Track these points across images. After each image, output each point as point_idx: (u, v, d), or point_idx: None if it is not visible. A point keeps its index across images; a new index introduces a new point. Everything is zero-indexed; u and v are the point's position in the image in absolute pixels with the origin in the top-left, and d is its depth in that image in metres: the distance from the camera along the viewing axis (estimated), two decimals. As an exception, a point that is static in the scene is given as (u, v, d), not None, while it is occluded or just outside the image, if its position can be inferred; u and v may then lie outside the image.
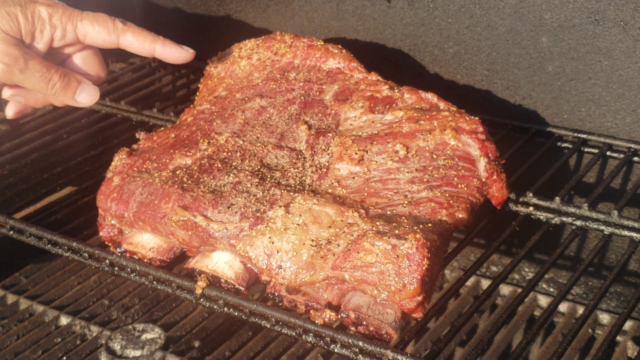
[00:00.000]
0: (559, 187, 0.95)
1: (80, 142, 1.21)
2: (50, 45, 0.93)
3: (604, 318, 1.17)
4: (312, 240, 0.78)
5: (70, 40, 0.93)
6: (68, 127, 1.24)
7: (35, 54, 0.91)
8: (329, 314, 0.77)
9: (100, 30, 0.94)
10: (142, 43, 0.96)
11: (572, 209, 0.92)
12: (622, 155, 1.03)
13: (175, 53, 0.98)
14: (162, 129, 0.99)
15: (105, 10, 0.98)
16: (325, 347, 0.76)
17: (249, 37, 1.11)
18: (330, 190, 0.85)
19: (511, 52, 1.11)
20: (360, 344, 0.74)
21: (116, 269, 0.88)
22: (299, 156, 0.90)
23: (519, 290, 1.21)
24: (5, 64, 0.89)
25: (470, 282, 1.24)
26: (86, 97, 0.96)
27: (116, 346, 1.10)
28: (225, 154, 0.90)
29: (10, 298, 1.21)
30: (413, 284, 0.73)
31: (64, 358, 1.10)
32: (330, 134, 0.92)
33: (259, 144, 0.92)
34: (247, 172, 0.87)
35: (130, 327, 1.13)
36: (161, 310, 1.18)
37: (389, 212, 0.81)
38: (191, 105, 1.03)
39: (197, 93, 1.06)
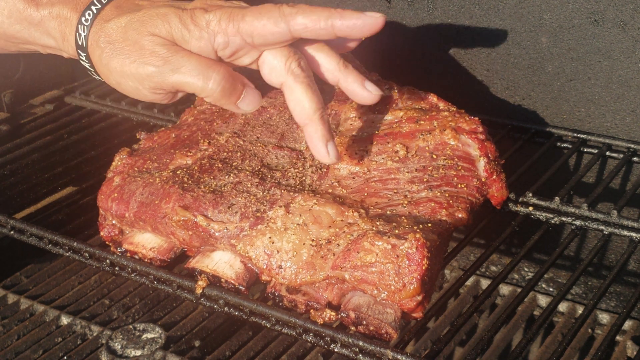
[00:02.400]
0: (558, 187, 0.96)
1: (81, 142, 1.21)
2: (216, 55, 0.80)
3: (604, 318, 1.17)
4: (312, 240, 0.78)
5: (237, 45, 0.79)
6: (69, 127, 1.24)
7: (191, 52, 0.80)
8: (329, 314, 0.78)
9: (266, 23, 0.77)
10: (316, 22, 0.78)
11: (571, 209, 0.92)
12: (621, 156, 1.03)
13: (358, 23, 0.78)
14: (163, 129, 0.99)
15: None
16: (326, 346, 0.76)
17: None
18: (330, 190, 0.85)
19: (511, 53, 1.11)
20: (360, 343, 0.74)
21: (117, 268, 0.88)
22: (299, 156, 0.90)
23: (519, 290, 1.21)
24: (155, 66, 0.79)
25: (469, 281, 1.24)
26: (249, 104, 0.83)
27: (117, 346, 1.10)
28: (225, 154, 0.91)
29: (11, 298, 1.21)
30: (413, 284, 0.73)
31: (65, 357, 1.10)
32: (331, 134, 0.92)
33: (259, 144, 0.92)
34: (247, 172, 0.87)
35: (130, 326, 1.13)
36: (162, 310, 1.18)
37: (389, 212, 0.81)
38: (192, 106, 1.03)
39: (198, 93, 1.07)
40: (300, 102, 0.79)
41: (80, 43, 0.83)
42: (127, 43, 0.80)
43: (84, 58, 0.84)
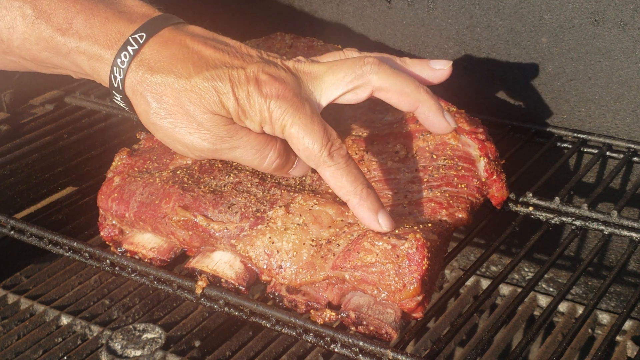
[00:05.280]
0: (558, 187, 0.96)
1: (81, 142, 1.21)
2: (262, 130, 0.78)
3: (604, 318, 1.17)
4: (313, 240, 0.78)
5: (281, 137, 0.79)
6: (69, 127, 1.24)
7: (249, 131, 0.78)
8: (329, 314, 0.77)
9: (308, 146, 0.75)
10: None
11: (571, 209, 0.92)
12: (621, 156, 1.03)
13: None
14: (163, 129, 0.99)
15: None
16: (326, 346, 0.76)
17: (249, 38, 1.11)
18: (330, 190, 0.85)
19: (511, 53, 1.11)
20: (361, 343, 0.74)
21: (117, 268, 0.88)
22: (299, 156, 0.90)
23: (519, 290, 1.21)
24: (211, 143, 0.77)
25: (470, 282, 1.24)
26: (299, 171, 0.83)
27: (117, 346, 1.10)
28: (225, 154, 0.90)
29: (11, 298, 1.21)
30: (413, 284, 0.73)
31: (65, 358, 1.10)
32: (331, 134, 0.92)
33: (259, 144, 0.92)
34: (247, 172, 0.87)
35: (130, 326, 1.13)
36: (162, 310, 1.18)
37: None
38: (192, 106, 1.03)
39: (198, 93, 1.06)
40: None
41: (115, 85, 0.78)
42: (180, 111, 0.77)
43: (118, 99, 0.80)
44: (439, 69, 0.84)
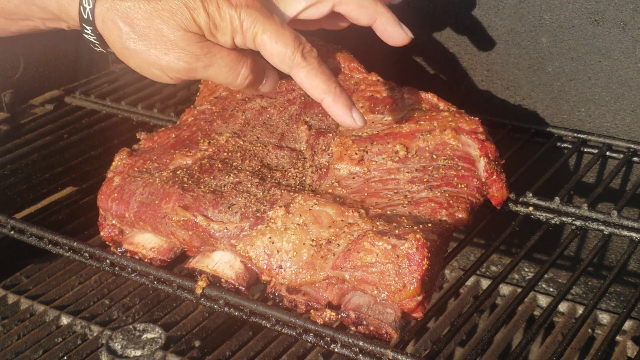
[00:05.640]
0: (558, 187, 0.96)
1: (81, 142, 1.21)
2: (234, 45, 0.81)
3: (604, 318, 1.17)
4: (313, 240, 0.78)
5: (252, 48, 0.81)
6: (69, 127, 1.24)
7: (221, 47, 0.80)
8: (329, 314, 0.77)
9: (280, 50, 0.79)
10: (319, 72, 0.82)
11: (571, 209, 0.92)
12: (621, 156, 1.03)
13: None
14: (163, 129, 0.99)
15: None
16: (326, 346, 0.76)
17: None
18: (330, 191, 0.85)
19: (511, 53, 1.11)
20: (361, 343, 0.74)
21: (117, 268, 0.88)
22: (299, 156, 0.90)
23: (519, 290, 1.21)
24: (186, 62, 0.79)
25: (470, 282, 1.24)
26: (269, 85, 0.86)
27: (117, 346, 1.10)
28: (225, 154, 0.91)
29: (11, 298, 1.21)
30: (413, 284, 0.73)
31: (65, 358, 1.10)
32: (331, 134, 0.92)
33: (259, 144, 0.92)
34: (247, 172, 0.87)
35: (130, 326, 1.13)
36: (162, 310, 1.18)
37: (389, 212, 0.81)
38: (192, 106, 1.03)
39: (198, 93, 1.07)
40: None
41: (85, 17, 0.80)
42: (153, 32, 0.78)
43: (89, 32, 0.81)
44: (405, 33, 0.90)
